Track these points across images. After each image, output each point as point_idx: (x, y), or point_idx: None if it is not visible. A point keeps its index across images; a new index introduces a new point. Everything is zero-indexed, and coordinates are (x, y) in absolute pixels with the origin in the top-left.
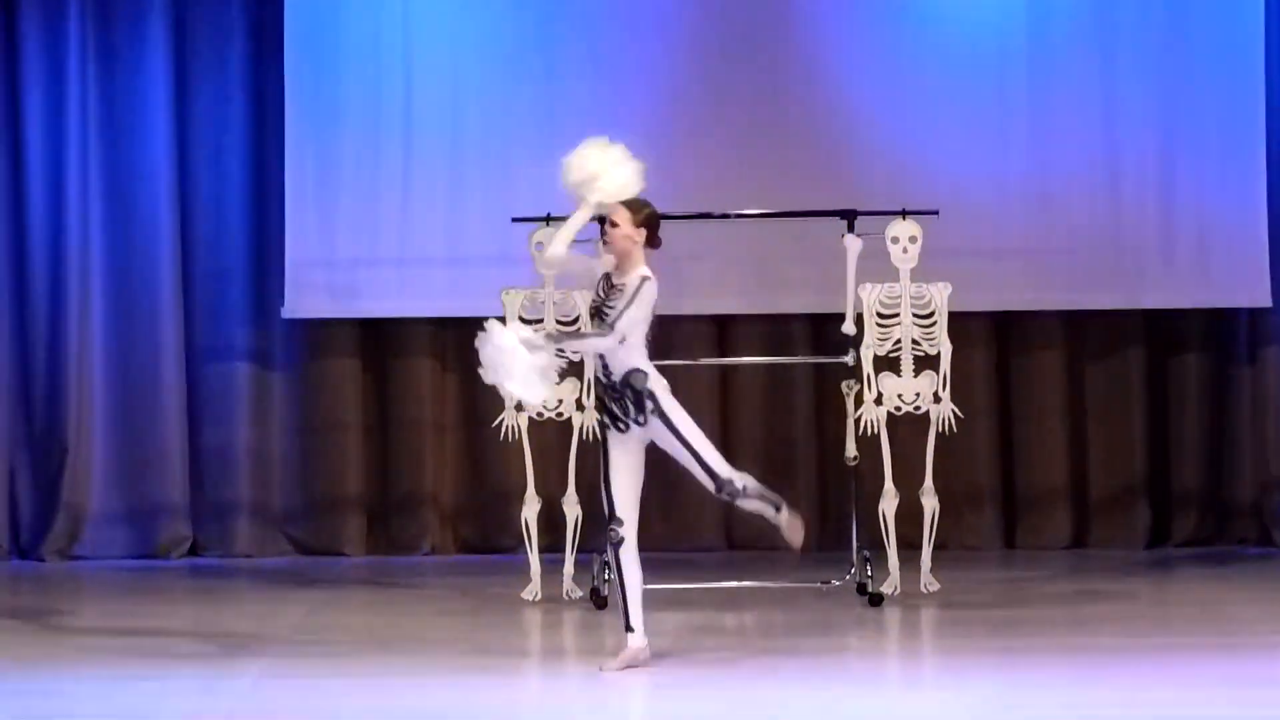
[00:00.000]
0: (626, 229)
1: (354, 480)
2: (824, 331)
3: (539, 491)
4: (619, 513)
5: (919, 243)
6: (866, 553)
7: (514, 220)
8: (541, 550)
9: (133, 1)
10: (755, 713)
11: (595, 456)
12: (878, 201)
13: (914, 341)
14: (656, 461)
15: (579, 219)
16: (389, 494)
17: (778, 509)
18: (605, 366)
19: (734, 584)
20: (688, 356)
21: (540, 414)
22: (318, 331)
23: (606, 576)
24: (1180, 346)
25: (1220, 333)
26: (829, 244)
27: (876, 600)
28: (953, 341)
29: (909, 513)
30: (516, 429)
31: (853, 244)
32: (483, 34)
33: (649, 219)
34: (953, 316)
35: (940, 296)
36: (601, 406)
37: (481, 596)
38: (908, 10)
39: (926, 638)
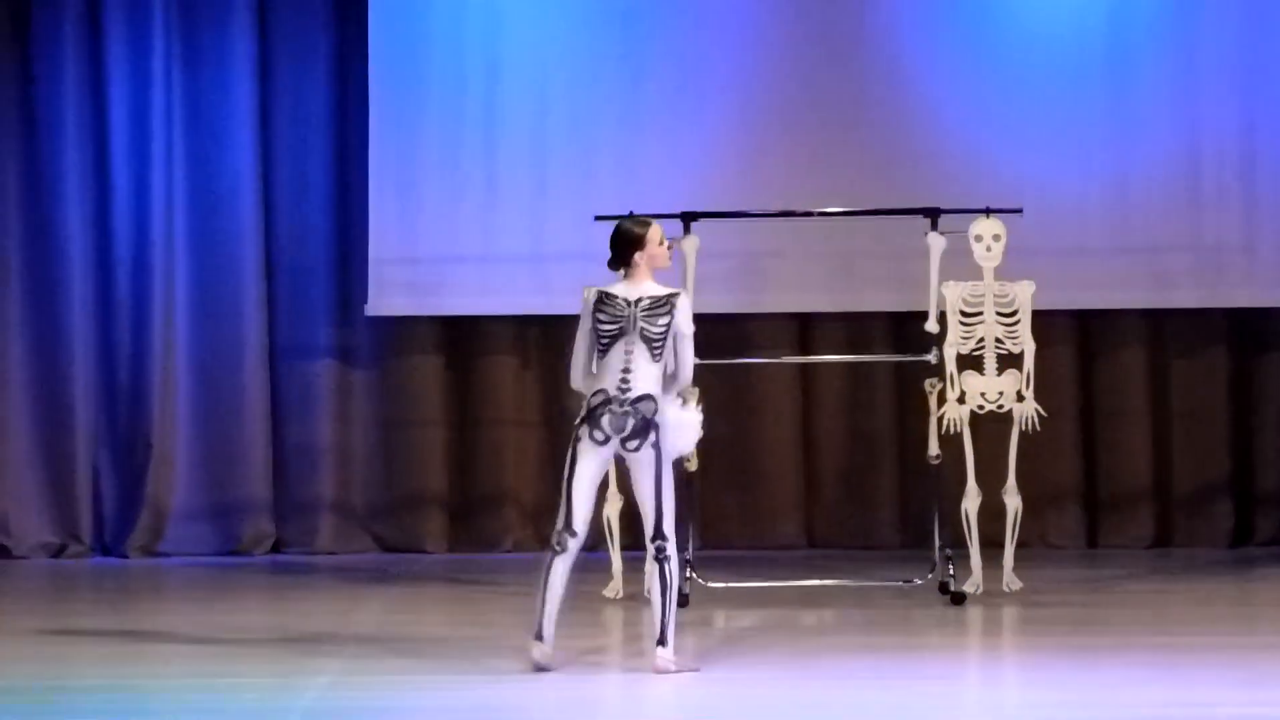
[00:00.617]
0: (653, 248)
1: (436, 477)
2: (906, 330)
3: (620, 489)
4: (575, 524)
5: (1002, 241)
6: (949, 551)
7: (597, 218)
8: (622, 548)
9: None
10: (835, 711)
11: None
12: (961, 199)
13: (997, 340)
14: (734, 461)
15: None
16: (471, 491)
17: (662, 641)
18: (625, 383)
19: (814, 582)
20: (769, 354)
21: None
22: (400, 329)
23: (688, 574)
24: (1264, 345)
25: None
26: (912, 242)
27: (959, 599)
28: (1036, 340)
29: (991, 511)
30: None
31: (936, 242)
32: (566, 31)
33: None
34: (1036, 315)
35: (1024, 295)
36: (588, 418)
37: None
38: (990, 8)
39: (1008, 636)
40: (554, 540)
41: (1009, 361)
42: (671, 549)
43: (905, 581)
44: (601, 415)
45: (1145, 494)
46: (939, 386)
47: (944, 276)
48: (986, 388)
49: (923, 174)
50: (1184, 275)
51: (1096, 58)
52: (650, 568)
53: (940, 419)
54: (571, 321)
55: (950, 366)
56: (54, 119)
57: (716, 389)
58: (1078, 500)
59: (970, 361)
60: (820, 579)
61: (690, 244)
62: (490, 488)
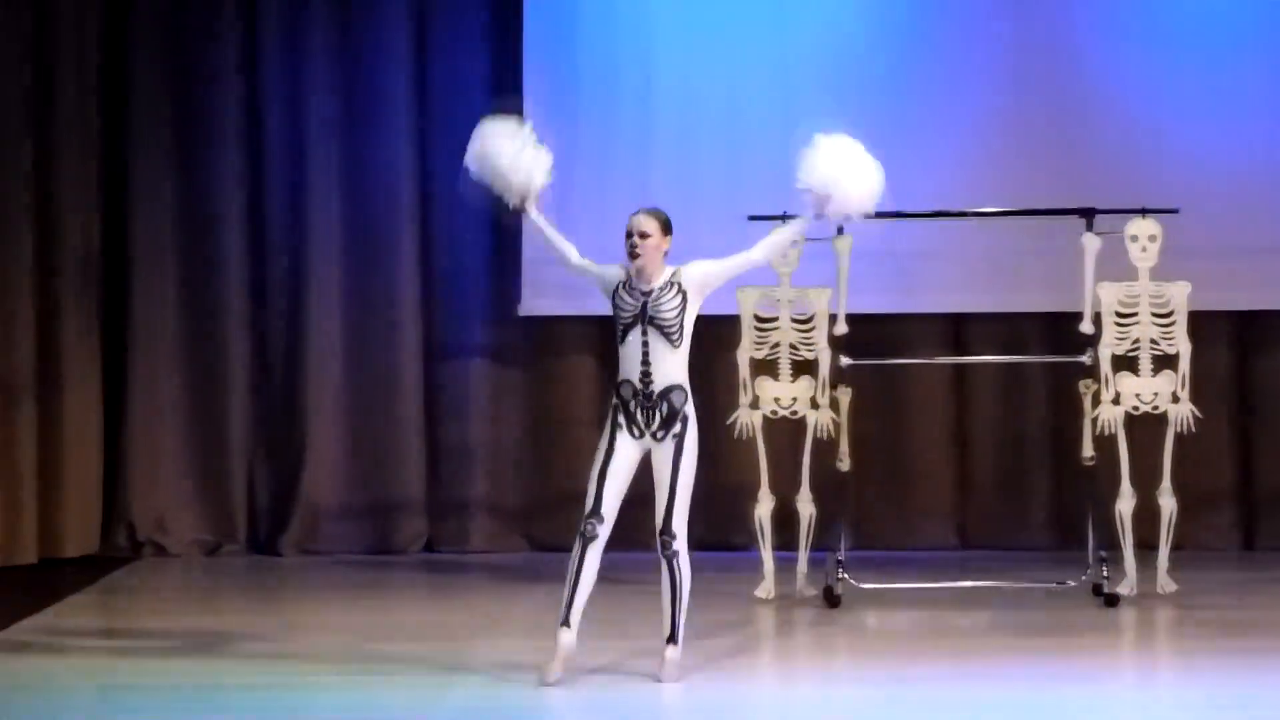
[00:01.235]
0: (657, 239)
1: (586, 476)
2: (1061, 330)
3: (772, 489)
4: (603, 510)
5: (1158, 241)
6: (1103, 553)
7: (750, 218)
8: (774, 548)
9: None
10: (991, 714)
11: (830, 455)
12: (1117, 200)
13: (1153, 341)
14: (887, 462)
15: (798, 227)
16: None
17: (671, 639)
18: (647, 374)
19: (968, 584)
20: (923, 355)
21: (774, 412)
22: (553, 329)
23: (840, 575)
24: None
25: None
26: (1067, 242)
27: (1112, 601)
28: (1191, 340)
29: (1146, 513)
30: (750, 426)
31: (1091, 242)
32: (719, 31)
33: (671, 226)
34: (1192, 315)
35: (1180, 295)
36: (622, 407)
37: (714, 594)
38: (1149, 6)
39: (1163, 638)
40: (582, 528)
41: (1164, 362)
42: (680, 545)
43: (1059, 583)
44: (635, 410)
45: None
46: (1094, 388)
47: (1099, 277)
48: (1142, 389)
49: (1078, 174)
50: None
51: (1253, 56)
52: (662, 565)
53: (1095, 420)
54: (722, 321)
55: (1105, 367)
56: (210, 120)
57: (869, 389)
58: (1233, 502)
59: (1125, 362)
60: (973, 580)
61: (844, 244)
62: (642, 487)
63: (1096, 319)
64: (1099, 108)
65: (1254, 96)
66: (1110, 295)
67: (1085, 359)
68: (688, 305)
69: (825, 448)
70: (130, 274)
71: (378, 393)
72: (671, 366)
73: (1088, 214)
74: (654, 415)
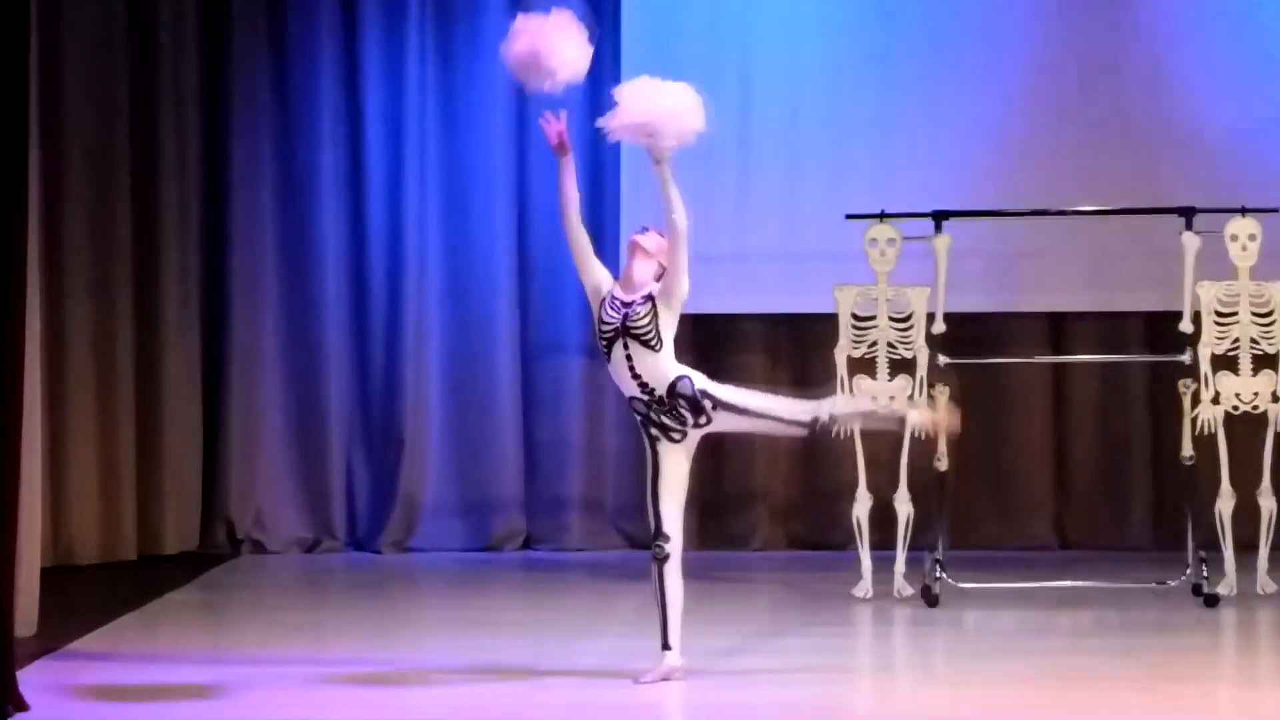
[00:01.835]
0: (661, 256)
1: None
2: (1160, 329)
3: (870, 489)
4: (666, 528)
5: (1258, 240)
6: (1203, 553)
7: (848, 217)
8: (872, 548)
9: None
10: (1090, 714)
11: (928, 454)
12: (1217, 199)
13: (1252, 340)
14: (985, 461)
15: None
16: (720, 489)
17: (900, 419)
18: (644, 384)
19: (1068, 583)
20: (1023, 354)
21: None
22: None
23: (938, 575)
24: None
25: None
26: (1167, 241)
27: (1212, 601)
28: None
29: (1246, 513)
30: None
31: (1191, 241)
32: (819, 30)
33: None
34: None
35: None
36: (648, 421)
37: (812, 593)
38: (1244, 6)
39: (1263, 639)
40: (653, 550)
41: (1264, 362)
42: (825, 414)
43: (1158, 583)
44: (659, 419)
45: None
46: (1193, 387)
47: (1199, 276)
48: (1241, 388)
49: (1179, 173)
50: None
51: None
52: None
53: (1194, 420)
54: (820, 320)
55: (1205, 367)
56: (309, 118)
57: (969, 388)
58: None
59: (1225, 362)
60: (1072, 580)
61: (942, 243)
62: (740, 485)
63: (1196, 318)
64: (1199, 106)
65: None
66: (1210, 294)
67: (1185, 358)
68: (659, 311)
69: (923, 447)
70: (229, 272)
71: (475, 390)
72: (661, 366)
73: (1187, 213)
74: (680, 413)
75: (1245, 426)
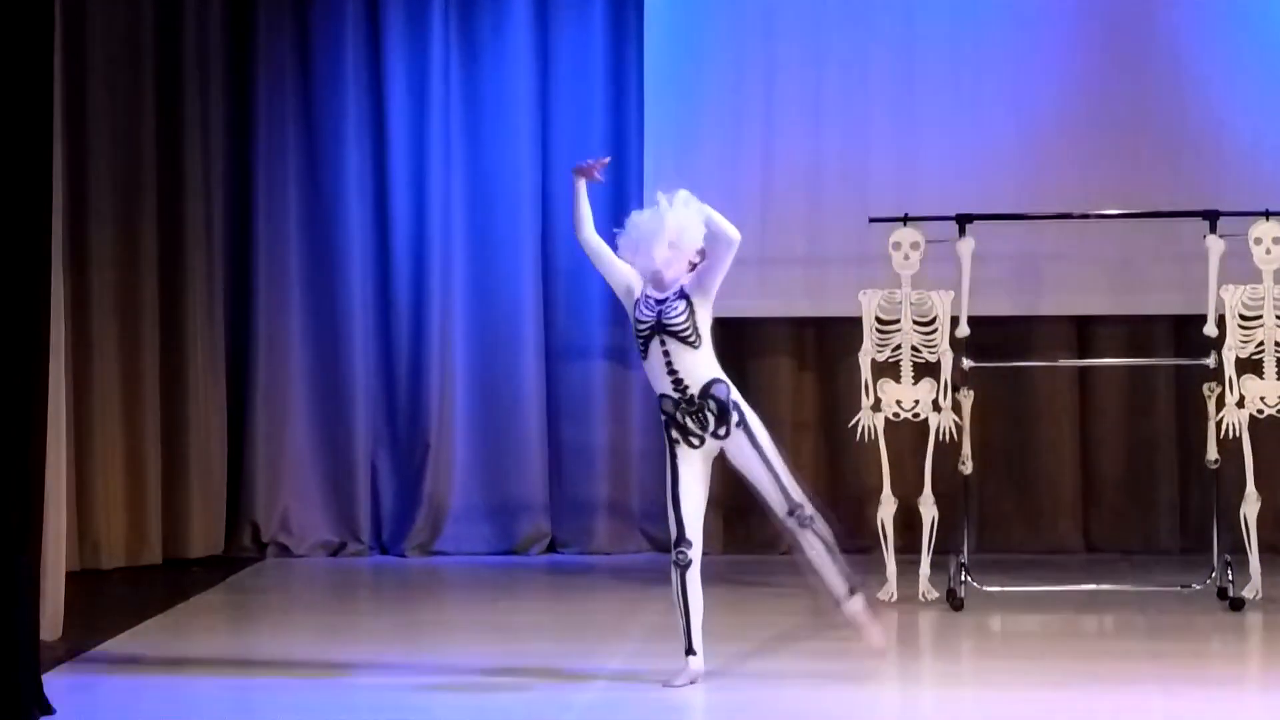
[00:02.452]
0: (691, 253)
1: (712, 478)
2: (1185, 333)
3: (894, 492)
4: (688, 534)
5: None
6: (1228, 557)
7: (871, 220)
8: (897, 551)
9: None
10: (1116, 715)
11: (952, 458)
12: (1241, 202)
13: (1277, 343)
14: (1011, 464)
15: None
16: (746, 493)
17: (851, 590)
18: (679, 381)
19: (1093, 586)
20: (1047, 357)
21: (896, 414)
22: None
23: (964, 578)
24: None
25: None
26: (1191, 245)
27: (1238, 605)
28: None
29: (1271, 516)
30: (873, 429)
31: (1215, 245)
32: (843, 34)
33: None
34: None
35: None
36: (671, 422)
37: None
38: (1269, 9)
39: None
40: (674, 556)
41: None
42: (810, 508)
43: (1184, 586)
44: (683, 420)
45: None
46: (1218, 390)
47: (1223, 280)
48: (1266, 392)
49: (1203, 176)
50: None
51: None
52: (802, 539)
53: (1219, 423)
54: (844, 323)
55: (1229, 370)
56: (333, 120)
57: (993, 391)
58: None
59: (1250, 365)
60: (1098, 583)
61: (966, 246)
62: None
63: (1220, 321)
64: (1223, 109)
65: None
66: (1234, 298)
67: (1209, 362)
68: (695, 308)
69: (947, 450)
70: (254, 275)
71: (500, 393)
72: (700, 365)
73: (1211, 216)
74: (706, 417)
75: (1270, 430)
